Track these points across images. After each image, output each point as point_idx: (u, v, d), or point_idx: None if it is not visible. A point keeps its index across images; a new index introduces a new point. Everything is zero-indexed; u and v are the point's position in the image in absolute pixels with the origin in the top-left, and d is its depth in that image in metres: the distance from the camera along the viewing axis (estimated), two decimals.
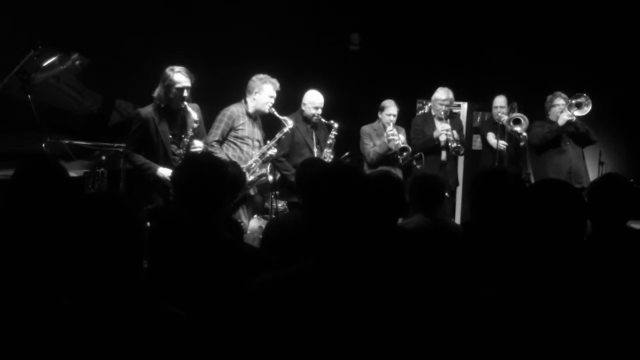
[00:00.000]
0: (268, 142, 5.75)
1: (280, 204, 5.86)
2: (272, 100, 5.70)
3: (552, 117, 6.85)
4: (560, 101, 6.80)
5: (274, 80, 5.72)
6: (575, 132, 6.73)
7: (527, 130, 6.83)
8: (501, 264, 2.43)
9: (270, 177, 5.71)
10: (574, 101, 6.63)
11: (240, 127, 5.63)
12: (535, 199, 2.21)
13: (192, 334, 1.80)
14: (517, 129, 6.84)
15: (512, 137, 7.02)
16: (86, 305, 1.72)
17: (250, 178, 5.53)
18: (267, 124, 5.98)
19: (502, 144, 6.93)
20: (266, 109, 5.70)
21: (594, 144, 6.96)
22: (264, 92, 5.66)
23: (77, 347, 1.68)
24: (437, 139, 6.72)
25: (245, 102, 5.72)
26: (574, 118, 6.61)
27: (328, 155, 6.18)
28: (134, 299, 1.79)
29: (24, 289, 1.83)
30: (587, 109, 6.61)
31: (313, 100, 6.22)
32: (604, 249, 2.93)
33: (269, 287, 1.81)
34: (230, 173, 2.92)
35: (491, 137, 7.16)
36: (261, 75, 5.73)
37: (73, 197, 2.72)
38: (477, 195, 3.15)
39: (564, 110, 6.67)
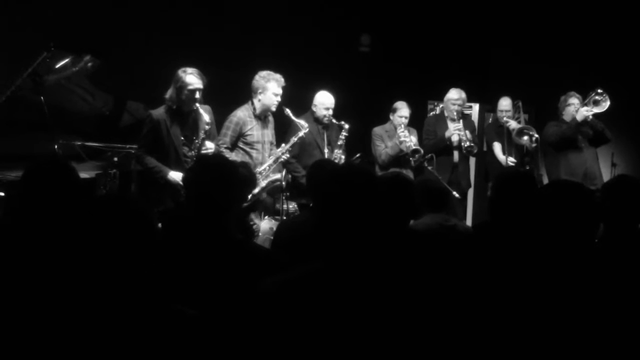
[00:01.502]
0: (283, 145, 5.61)
1: (291, 206, 5.83)
2: (279, 98, 5.50)
3: (566, 117, 6.70)
4: (574, 100, 6.65)
5: (278, 76, 5.50)
6: (591, 131, 6.59)
7: (540, 131, 6.76)
8: (514, 264, 2.42)
9: (284, 183, 5.57)
10: (592, 98, 6.54)
11: (249, 133, 5.48)
12: (548, 199, 2.21)
13: (203, 334, 1.81)
14: (526, 138, 6.77)
15: (517, 145, 6.96)
16: (98, 306, 1.73)
17: (263, 183, 5.38)
18: (275, 124, 5.92)
19: (511, 161, 6.87)
20: (273, 108, 5.54)
21: (608, 142, 6.84)
22: (268, 91, 5.46)
23: (90, 347, 1.69)
24: (449, 139, 6.70)
25: (252, 104, 5.55)
26: (591, 114, 6.48)
27: (339, 157, 6.15)
28: (146, 299, 1.79)
29: (34, 289, 1.84)
30: (605, 105, 6.50)
31: (324, 101, 6.20)
32: (616, 251, 2.91)
33: (279, 288, 1.82)
34: (241, 174, 2.93)
35: (499, 152, 7.08)
36: (263, 73, 5.51)
37: (83, 198, 2.74)
38: (499, 194, 3.14)
39: (581, 107, 6.52)
